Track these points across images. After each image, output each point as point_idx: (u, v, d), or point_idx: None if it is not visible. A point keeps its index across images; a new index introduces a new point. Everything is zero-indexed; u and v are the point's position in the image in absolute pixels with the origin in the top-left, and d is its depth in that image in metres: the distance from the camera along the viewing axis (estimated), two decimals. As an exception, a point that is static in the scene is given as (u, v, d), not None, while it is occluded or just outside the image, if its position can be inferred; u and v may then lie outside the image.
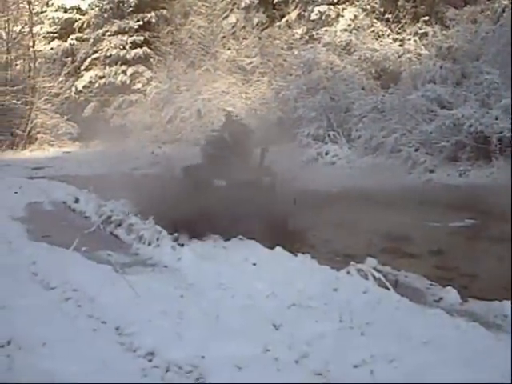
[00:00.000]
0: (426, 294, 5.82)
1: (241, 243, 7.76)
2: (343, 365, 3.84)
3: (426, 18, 21.29)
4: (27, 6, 33.65)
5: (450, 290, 5.94)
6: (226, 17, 28.79)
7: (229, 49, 27.05)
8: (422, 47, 20.27)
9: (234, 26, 27.99)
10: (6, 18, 33.64)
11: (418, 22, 21.46)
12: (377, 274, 5.50)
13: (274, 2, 26.16)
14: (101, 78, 33.44)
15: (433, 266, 7.30)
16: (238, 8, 28.34)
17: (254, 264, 6.61)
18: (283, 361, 3.94)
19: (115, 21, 33.49)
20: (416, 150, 15.45)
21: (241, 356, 3.97)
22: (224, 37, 27.89)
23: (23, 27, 34.21)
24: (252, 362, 3.92)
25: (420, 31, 21.04)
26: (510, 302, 5.56)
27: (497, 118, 14.69)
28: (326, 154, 17.17)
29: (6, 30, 33.83)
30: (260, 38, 25.84)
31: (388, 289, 5.39)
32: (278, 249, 7.19)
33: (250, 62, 25.41)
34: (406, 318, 4.60)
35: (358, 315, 4.53)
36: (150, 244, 7.73)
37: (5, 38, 33.91)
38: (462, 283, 6.34)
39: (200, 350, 4.05)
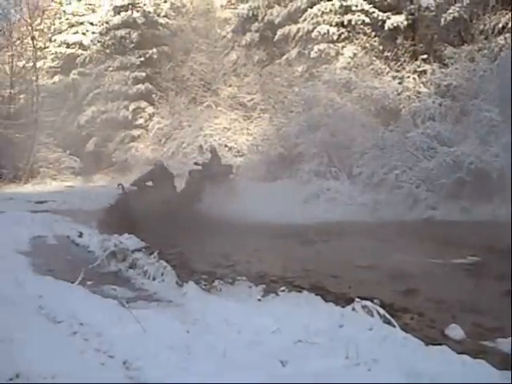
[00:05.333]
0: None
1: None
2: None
3: (425, 56, 21.62)
4: (31, 42, 34.27)
5: (455, 327, 5.98)
6: (227, 54, 29.30)
7: (230, 85, 27.40)
8: (421, 85, 20.50)
9: (234, 63, 28.49)
10: (10, 53, 34.43)
11: (416, 59, 21.78)
12: (382, 311, 5.53)
13: (275, 40, 26.48)
14: (103, 112, 33.74)
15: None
16: (238, 45, 28.82)
17: (259, 300, 6.65)
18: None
19: (117, 56, 33.96)
20: (417, 187, 15.53)
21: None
22: (225, 73, 28.33)
23: (27, 62, 34.83)
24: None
25: (419, 69, 21.31)
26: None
27: (497, 156, 14.84)
28: (328, 190, 17.25)
29: (10, 64, 34.50)
30: (261, 75, 26.11)
31: (394, 326, 5.41)
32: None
33: (251, 99, 25.67)
34: (412, 355, 4.62)
35: (363, 352, 4.54)
36: (154, 279, 7.78)
37: (9, 72, 34.53)
38: (467, 320, 6.36)
39: (207, 385, 4.04)
